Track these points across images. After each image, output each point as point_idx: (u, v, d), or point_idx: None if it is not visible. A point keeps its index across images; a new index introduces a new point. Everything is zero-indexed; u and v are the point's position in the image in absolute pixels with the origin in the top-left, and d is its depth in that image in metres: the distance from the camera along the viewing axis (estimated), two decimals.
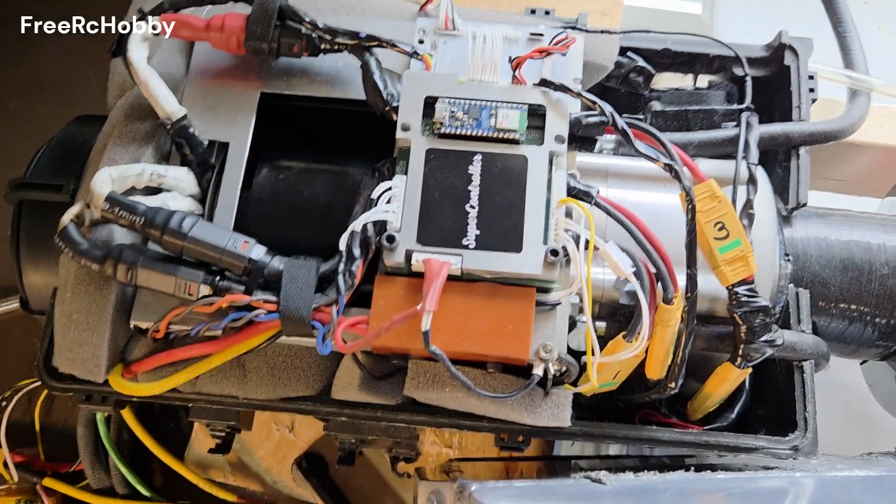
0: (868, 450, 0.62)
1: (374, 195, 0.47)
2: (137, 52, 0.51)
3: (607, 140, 0.56)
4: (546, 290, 0.47)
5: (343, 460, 0.57)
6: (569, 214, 0.47)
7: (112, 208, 0.47)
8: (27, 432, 0.69)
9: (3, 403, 0.67)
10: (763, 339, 0.47)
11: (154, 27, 0.51)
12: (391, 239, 0.45)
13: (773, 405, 0.54)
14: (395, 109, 0.49)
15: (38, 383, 0.69)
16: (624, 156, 0.55)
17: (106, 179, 0.48)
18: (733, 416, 0.53)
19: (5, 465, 0.65)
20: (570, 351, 0.49)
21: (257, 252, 0.47)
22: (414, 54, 0.51)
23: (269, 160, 0.54)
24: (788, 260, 0.54)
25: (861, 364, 0.65)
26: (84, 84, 0.73)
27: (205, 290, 0.46)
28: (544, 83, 0.48)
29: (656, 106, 0.57)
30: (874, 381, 0.65)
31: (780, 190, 0.56)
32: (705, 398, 0.51)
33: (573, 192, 0.48)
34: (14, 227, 0.55)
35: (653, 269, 0.47)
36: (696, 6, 0.99)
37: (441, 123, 0.48)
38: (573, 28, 0.57)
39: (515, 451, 0.50)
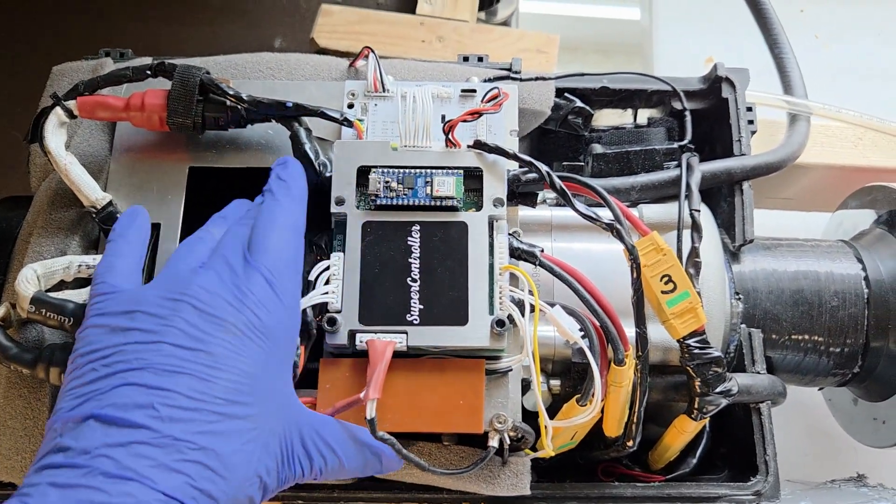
0: (829, 468, 0.62)
1: (312, 276, 0.45)
2: (55, 139, 0.49)
3: (549, 195, 0.55)
4: (496, 358, 0.46)
5: None
6: (514, 278, 0.46)
7: (38, 310, 0.45)
8: None
9: None
10: (717, 390, 0.47)
11: (70, 111, 0.49)
12: (332, 321, 0.44)
13: (733, 444, 0.53)
14: (329, 180, 0.47)
15: None
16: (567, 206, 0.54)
17: (31, 278, 0.46)
18: (695, 461, 0.53)
19: None
20: (525, 413, 0.48)
21: None
22: (344, 121, 0.49)
23: None
24: (739, 298, 0.54)
25: (819, 390, 0.65)
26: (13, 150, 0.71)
27: None
28: (479, 145, 0.47)
29: (597, 149, 0.57)
30: (833, 401, 0.65)
31: (727, 224, 0.56)
32: (665, 449, 0.51)
33: (517, 254, 0.47)
34: None
35: (600, 327, 0.46)
36: (634, 12, 0.99)
37: (376, 195, 0.46)
38: (507, 76, 0.56)
39: None
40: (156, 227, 0.50)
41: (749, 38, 0.71)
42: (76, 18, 0.78)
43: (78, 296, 0.46)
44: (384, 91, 0.52)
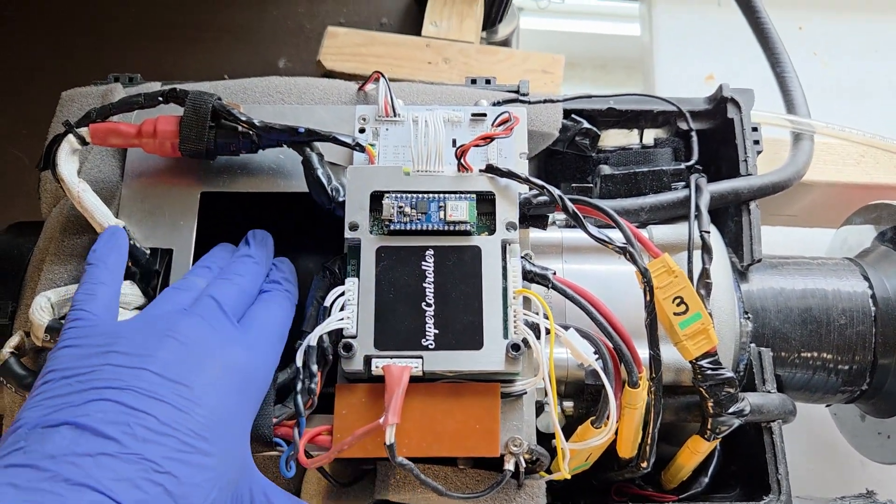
0: (837, 481, 0.62)
1: (327, 302, 0.45)
2: (67, 166, 0.49)
3: (559, 216, 0.56)
4: (511, 381, 0.46)
5: None
6: (527, 301, 0.47)
7: (53, 338, 0.45)
8: None
9: None
10: (730, 410, 0.47)
11: (82, 138, 0.49)
12: (348, 347, 0.44)
13: (745, 462, 0.53)
14: (342, 204, 0.48)
15: None
16: (577, 227, 0.54)
17: (45, 306, 0.46)
18: (707, 479, 0.53)
19: None
20: (539, 435, 0.48)
21: None
22: (356, 146, 0.50)
23: None
24: (748, 318, 0.54)
25: (827, 407, 0.65)
26: (18, 173, 0.71)
27: None
28: (490, 169, 0.48)
29: (605, 170, 0.57)
30: (840, 417, 0.65)
31: (734, 244, 0.56)
32: (678, 469, 0.51)
33: (529, 277, 0.47)
34: None
35: (614, 351, 0.46)
36: (634, 28, 1.00)
37: (389, 220, 0.46)
38: (516, 98, 0.56)
39: None
40: (168, 253, 0.50)
41: (748, 53, 0.71)
42: (80, 41, 0.78)
43: None
44: (395, 115, 0.52)
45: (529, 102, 0.56)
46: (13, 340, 0.46)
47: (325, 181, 0.49)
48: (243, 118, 0.49)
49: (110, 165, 0.53)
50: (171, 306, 0.43)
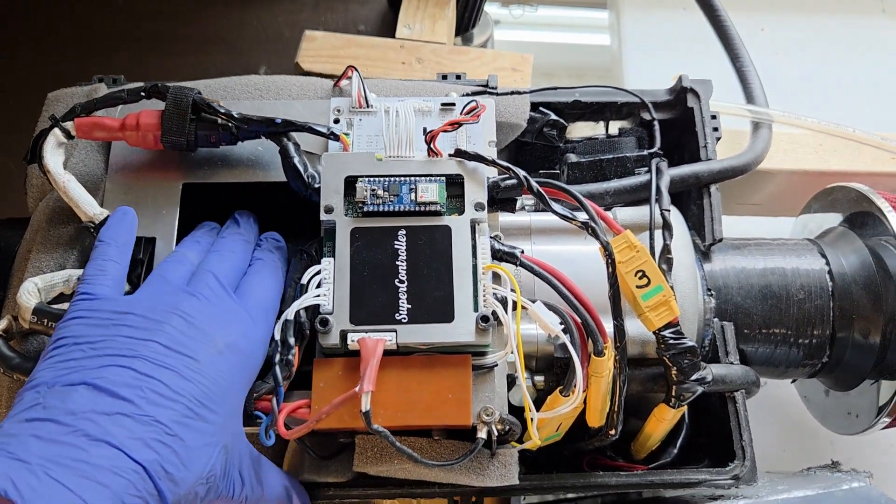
0: (807, 461, 0.64)
1: (304, 280, 0.47)
2: (53, 158, 0.51)
3: (529, 197, 0.58)
4: (482, 354, 0.48)
5: None
6: (497, 278, 0.49)
7: (40, 320, 0.47)
8: None
9: None
10: (693, 378, 0.49)
11: (67, 132, 0.51)
12: (324, 322, 0.46)
13: (712, 434, 0.55)
14: (318, 191, 0.50)
15: None
16: (545, 211, 0.57)
17: (32, 290, 0.48)
18: (675, 450, 0.55)
19: None
20: (511, 408, 0.50)
21: None
22: (331, 135, 0.52)
23: None
24: (711, 295, 0.56)
25: (792, 382, 0.67)
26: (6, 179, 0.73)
27: None
28: (459, 153, 0.50)
29: (572, 158, 0.60)
30: (807, 395, 0.67)
31: (698, 226, 0.59)
32: (646, 438, 0.53)
33: (498, 255, 0.49)
34: None
35: (580, 323, 0.48)
36: (604, 38, 1.03)
37: (363, 202, 0.49)
38: (484, 91, 0.59)
39: None
40: (151, 241, 0.52)
41: (714, 55, 0.74)
42: (65, 49, 0.81)
43: None
44: (368, 107, 0.54)
45: (497, 94, 0.58)
46: (1, 324, 0.48)
47: (301, 169, 0.51)
48: (222, 110, 0.51)
49: (95, 159, 0.55)
50: (173, 281, 0.46)
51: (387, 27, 0.76)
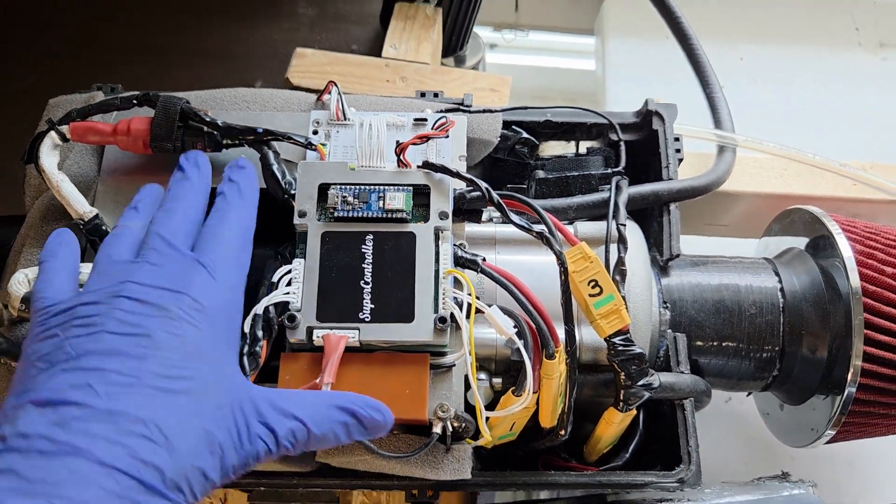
0: (766, 473, 0.66)
1: (275, 278, 0.51)
2: (48, 159, 0.54)
3: (496, 210, 0.61)
4: (441, 354, 0.51)
5: None
6: (458, 284, 0.52)
7: (28, 308, 0.50)
8: None
9: None
10: (640, 383, 0.52)
11: (63, 135, 0.55)
12: (292, 318, 0.49)
13: (665, 441, 0.58)
14: (293, 197, 0.53)
15: None
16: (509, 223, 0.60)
17: (22, 281, 0.51)
18: (627, 455, 0.57)
19: None
20: (468, 407, 0.53)
21: None
22: (308, 145, 0.55)
23: None
24: (667, 307, 0.59)
25: (748, 395, 0.70)
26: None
27: None
28: (426, 165, 0.53)
29: (540, 174, 0.63)
30: (766, 411, 0.70)
31: (658, 243, 0.62)
32: (596, 441, 0.55)
33: (461, 262, 0.52)
34: None
35: (535, 328, 0.51)
36: (590, 63, 1.07)
37: (334, 208, 0.52)
38: (459, 108, 0.62)
39: None
40: None
41: (692, 86, 0.77)
42: (70, 62, 0.85)
43: None
44: (345, 119, 0.58)
45: (470, 111, 0.62)
46: None
47: (279, 176, 0.54)
48: (208, 119, 0.55)
49: (88, 163, 0.58)
50: (117, 256, 0.44)
51: (378, 48, 0.80)
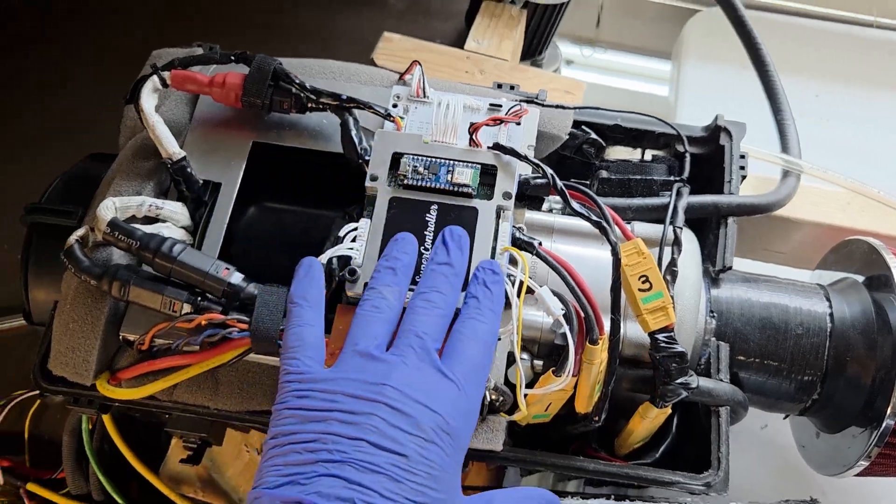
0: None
1: (341, 233, 0.53)
2: (148, 101, 0.59)
3: (556, 201, 0.63)
4: None
5: None
6: (514, 263, 0.54)
7: (112, 232, 0.53)
8: (16, 440, 0.75)
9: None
10: (678, 381, 0.53)
11: (164, 80, 0.59)
12: (353, 272, 0.52)
13: (697, 447, 0.58)
14: (367, 162, 0.56)
15: (31, 394, 0.75)
16: (569, 215, 0.62)
17: (110, 207, 0.55)
18: (657, 454, 0.58)
19: None
20: (507, 383, 0.54)
21: (236, 278, 0.53)
22: (387, 116, 0.58)
23: (255, 201, 0.61)
24: (713, 316, 0.60)
25: (785, 418, 0.70)
26: (96, 128, 0.82)
27: (187, 308, 0.52)
28: (496, 147, 0.55)
29: (603, 174, 0.65)
30: (801, 443, 0.69)
31: (712, 255, 0.63)
32: (628, 434, 0.56)
33: (517, 243, 0.54)
34: (25, 247, 0.62)
35: (582, 314, 0.53)
36: (663, 89, 1.08)
37: (404, 176, 0.54)
38: (532, 102, 0.64)
39: None
40: (217, 186, 0.59)
41: (765, 121, 0.78)
42: (168, 27, 0.90)
43: (145, 228, 0.55)
44: (424, 97, 0.60)
45: (543, 105, 0.64)
46: (80, 231, 0.55)
47: (356, 141, 0.57)
48: (297, 81, 0.58)
49: (182, 111, 0.62)
50: (372, 343, 0.44)
51: (461, 45, 0.83)
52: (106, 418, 0.65)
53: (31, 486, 0.70)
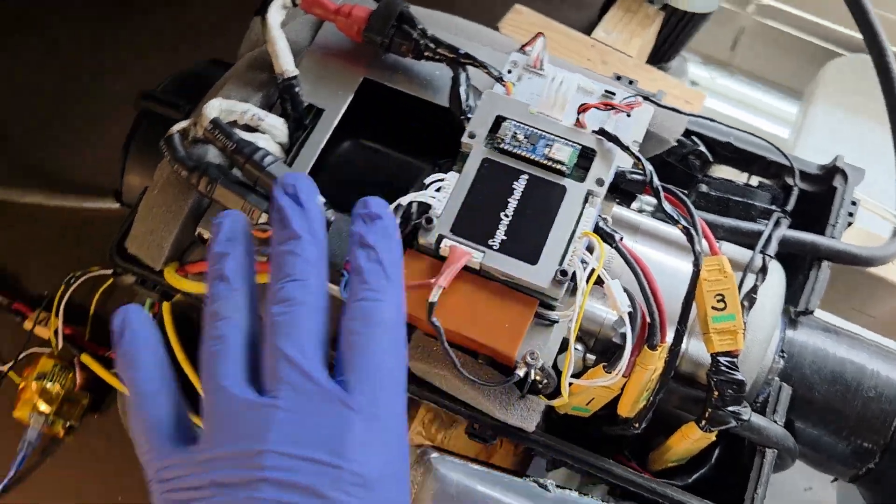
0: None
1: (427, 181, 0.53)
2: (275, 15, 0.60)
3: (648, 203, 0.61)
4: (549, 308, 0.52)
5: None
6: (590, 251, 0.53)
7: (213, 130, 0.55)
8: (82, 314, 0.79)
9: (72, 280, 0.76)
10: (730, 409, 0.51)
11: (293, 1, 0.60)
12: (429, 221, 0.52)
13: (732, 484, 0.56)
14: (468, 120, 0.56)
15: (105, 272, 0.78)
16: (658, 220, 0.60)
17: (216, 107, 0.56)
18: (690, 480, 0.56)
19: (56, 333, 0.74)
20: (554, 369, 0.53)
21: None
22: (499, 79, 0.58)
23: (352, 135, 0.62)
24: (783, 356, 0.57)
25: (832, 482, 0.66)
26: (224, 35, 0.84)
27: (265, 218, 0.53)
28: (601, 132, 0.54)
29: (703, 188, 0.62)
30: None
31: (797, 296, 0.60)
32: (665, 450, 0.55)
33: (599, 232, 0.53)
34: (131, 131, 0.65)
35: (648, 319, 0.51)
36: (784, 130, 1.04)
37: (502, 140, 0.54)
38: (648, 99, 0.63)
39: (482, 441, 0.54)
40: (319, 112, 0.60)
41: (885, 181, 0.74)
42: None
43: (244, 135, 0.56)
44: (541, 70, 0.60)
45: (658, 104, 0.62)
46: (183, 123, 0.57)
47: (464, 98, 0.57)
48: (420, 26, 0.59)
49: (305, 34, 0.63)
50: (232, 390, 0.33)
51: (591, 26, 0.81)
52: (165, 309, 0.67)
53: (85, 357, 0.74)
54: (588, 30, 0.84)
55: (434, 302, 0.49)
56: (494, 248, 0.51)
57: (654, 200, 0.58)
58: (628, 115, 0.57)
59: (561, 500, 0.48)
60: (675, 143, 0.63)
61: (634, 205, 0.61)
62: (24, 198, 0.82)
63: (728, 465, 0.58)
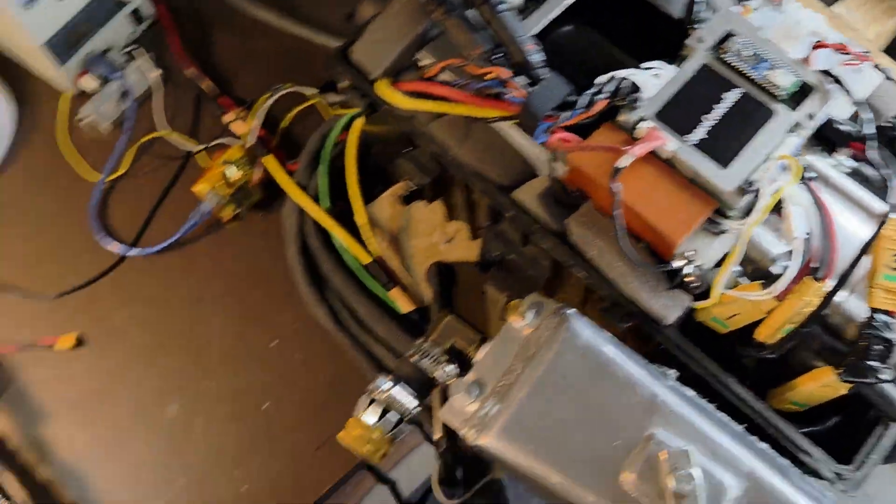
0: None
1: (644, 65, 0.55)
2: None
3: (844, 160, 0.61)
4: (724, 216, 0.53)
5: (480, 265, 0.67)
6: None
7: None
8: (274, 124, 0.86)
9: (278, 88, 0.83)
10: (873, 363, 0.51)
11: None
12: (635, 101, 0.54)
13: (845, 446, 0.55)
14: (689, 22, 0.58)
15: (307, 91, 0.84)
16: (850, 178, 0.59)
17: None
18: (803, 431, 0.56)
19: (252, 130, 0.82)
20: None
21: (537, 56, 0.57)
22: (739, 1, 0.59)
23: (578, 19, 0.64)
24: None
25: None
26: None
27: (484, 55, 0.57)
28: (827, 73, 0.55)
29: None
30: None
31: None
32: (789, 388, 0.55)
33: None
34: None
35: (817, 256, 0.52)
36: None
37: (726, 51, 0.55)
38: (878, 69, 0.62)
39: (617, 322, 0.56)
40: None
41: None
42: None
43: None
44: (780, 6, 0.60)
45: (888, 77, 0.61)
46: None
47: (697, 9, 0.59)
48: None
49: None
50: None
51: None
52: (353, 134, 0.73)
53: (270, 159, 0.80)
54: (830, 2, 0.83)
55: (621, 167, 0.51)
56: (690, 142, 0.53)
57: (850, 162, 0.58)
58: (855, 72, 0.57)
59: (678, 389, 0.49)
60: (889, 125, 0.62)
61: (831, 161, 0.61)
62: (257, 12, 0.89)
63: (840, 439, 0.57)
